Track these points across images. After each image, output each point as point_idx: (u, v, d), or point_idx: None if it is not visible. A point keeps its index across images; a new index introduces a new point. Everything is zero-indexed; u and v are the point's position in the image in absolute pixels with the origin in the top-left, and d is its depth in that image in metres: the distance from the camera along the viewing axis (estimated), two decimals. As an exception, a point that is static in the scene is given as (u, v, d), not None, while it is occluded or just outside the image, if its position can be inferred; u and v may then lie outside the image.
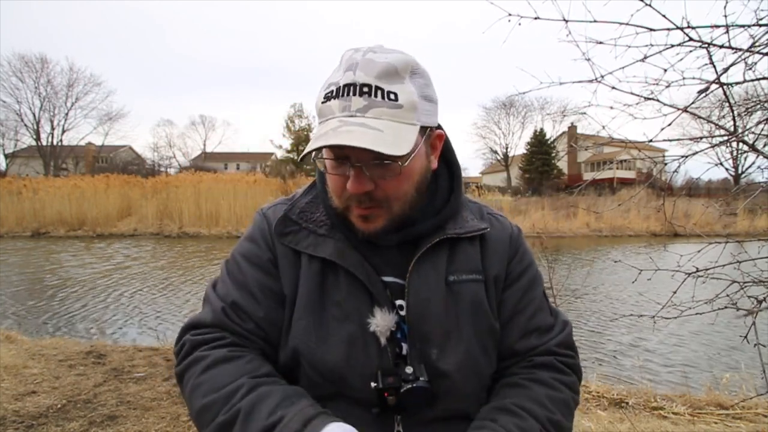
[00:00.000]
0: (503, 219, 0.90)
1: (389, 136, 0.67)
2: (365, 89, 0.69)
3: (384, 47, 0.74)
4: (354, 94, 0.69)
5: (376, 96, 0.69)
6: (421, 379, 0.72)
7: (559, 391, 0.78)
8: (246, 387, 0.69)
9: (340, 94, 0.70)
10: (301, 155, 0.71)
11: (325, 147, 0.69)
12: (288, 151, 34.71)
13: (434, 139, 0.80)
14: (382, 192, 0.72)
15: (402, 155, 0.68)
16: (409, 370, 0.72)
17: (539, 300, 0.85)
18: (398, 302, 0.78)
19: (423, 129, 0.74)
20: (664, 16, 1.66)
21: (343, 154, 0.71)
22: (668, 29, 1.68)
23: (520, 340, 0.82)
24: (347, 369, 0.75)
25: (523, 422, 0.71)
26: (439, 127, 0.80)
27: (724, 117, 2.20)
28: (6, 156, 38.47)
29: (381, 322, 0.75)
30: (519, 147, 44.06)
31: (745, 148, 1.86)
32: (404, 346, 0.77)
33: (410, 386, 0.71)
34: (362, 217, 0.74)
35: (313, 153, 0.70)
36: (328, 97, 0.71)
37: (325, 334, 0.76)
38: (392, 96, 0.69)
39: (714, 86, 1.73)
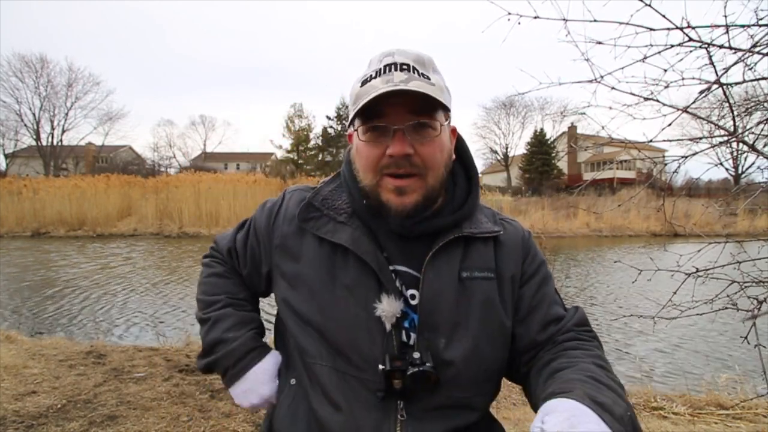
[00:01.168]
0: (515, 223, 0.96)
1: (434, 94, 0.75)
2: (404, 66, 0.77)
3: (405, 47, 0.82)
4: (395, 70, 0.77)
5: (413, 73, 0.77)
6: (427, 364, 0.74)
7: (590, 350, 0.81)
8: (221, 302, 0.94)
9: (381, 72, 0.77)
10: (351, 116, 0.81)
11: (386, 106, 0.76)
12: (288, 151, 34.71)
13: (451, 131, 0.87)
14: (419, 158, 0.78)
15: (447, 110, 0.80)
16: (416, 355, 0.74)
17: (552, 294, 0.90)
18: (409, 292, 0.82)
19: (448, 113, 0.83)
20: (663, 16, 1.66)
21: (382, 123, 0.77)
22: (668, 29, 1.68)
23: (541, 331, 0.85)
24: (351, 349, 0.79)
25: (579, 369, 0.74)
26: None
27: (723, 117, 2.20)
28: (6, 156, 38.51)
29: (387, 307, 0.78)
30: (519, 147, 44.17)
31: (745, 148, 1.86)
32: (412, 336, 0.80)
33: (416, 370, 0.72)
34: (398, 189, 0.78)
35: (356, 123, 0.80)
36: (365, 81, 0.78)
37: (331, 316, 0.80)
38: (426, 77, 0.78)
39: (714, 86, 1.73)
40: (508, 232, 0.90)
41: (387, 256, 0.82)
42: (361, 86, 0.78)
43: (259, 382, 0.87)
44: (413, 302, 0.81)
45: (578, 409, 0.60)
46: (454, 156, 0.88)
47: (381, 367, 0.74)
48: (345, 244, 0.81)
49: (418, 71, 0.77)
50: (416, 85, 0.75)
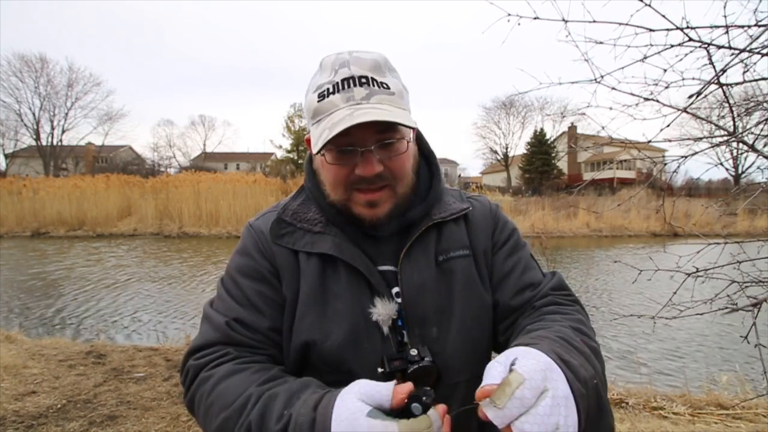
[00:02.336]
0: (482, 198, 0.96)
1: (398, 115, 0.73)
2: (363, 80, 0.75)
3: (359, 49, 0.80)
4: (355, 85, 0.74)
5: (373, 86, 0.75)
6: (426, 359, 0.73)
7: (569, 313, 0.79)
8: (254, 396, 0.67)
9: (339, 88, 0.75)
10: (320, 143, 0.72)
11: (351, 127, 0.70)
12: (288, 151, 34.73)
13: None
14: (389, 171, 0.77)
15: (414, 128, 0.78)
16: (413, 352, 0.74)
17: (526, 260, 0.89)
18: (394, 290, 0.81)
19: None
20: (663, 16, 1.66)
21: (348, 143, 0.74)
22: (668, 30, 1.69)
23: (515, 296, 0.84)
24: (354, 360, 0.77)
25: (553, 330, 0.71)
26: None
27: (723, 117, 2.20)
28: (6, 156, 38.49)
29: (382, 311, 0.78)
30: (519, 147, 44.19)
31: (745, 148, 1.86)
32: (405, 333, 0.79)
33: (416, 366, 0.72)
34: (369, 203, 0.78)
35: (320, 148, 0.72)
36: (323, 95, 0.76)
37: (330, 328, 0.78)
38: (385, 85, 0.76)
39: (713, 87, 1.73)
40: (476, 208, 0.91)
41: (369, 256, 0.82)
42: (319, 100, 0.76)
43: (349, 421, 0.56)
44: (398, 300, 0.80)
45: (552, 365, 0.57)
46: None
47: (380, 370, 0.72)
48: (330, 252, 0.79)
49: (377, 81, 0.75)
50: (377, 99, 0.74)
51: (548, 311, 0.80)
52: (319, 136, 0.73)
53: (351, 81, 0.74)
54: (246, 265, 0.83)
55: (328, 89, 0.75)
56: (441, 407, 0.58)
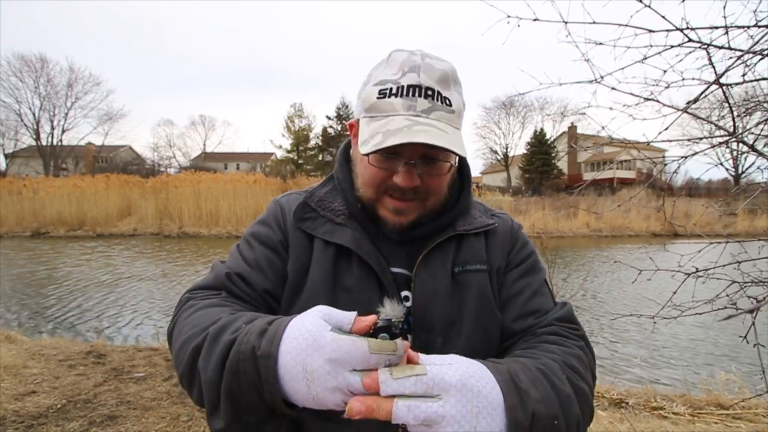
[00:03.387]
0: (505, 216, 0.95)
1: (453, 138, 0.72)
2: (429, 92, 0.74)
3: (431, 53, 0.79)
4: (420, 96, 0.73)
5: (437, 100, 0.74)
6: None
7: (568, 347, 0.75)
8: (223, 318, 0.65)
9: (403, 93, 0.74)
10: (367, 150, 0.72)
11: (409, 144, 0.69)
12: (288, 151, 34.75)
13: None
14: (425, 187, 0.77)
15: (463, 156, 0.76)
16: None
17: (538, 285, 0.86)
18: (404, 293, 0.81)
19: None
20: (663, 17, 1.66)
21: (395, 150, 0.73)
22: (667, 30, 1.69)
23: (518, 320, 0.82)
24: None
25: (537, 360, 0.68)
26: None
27: (723, 117, 2.20)
28: (6, 156, 38.49)
29: (390, 312, 0.76)
30: (519, 147, 44.21)
31: (745, 148, 1.86)
32: (410, 338, 0.78)
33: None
34: (396, 210, 0.78)
35: (370, 152, 0.71)
36: (385, 94, 0.75)
37: None
38: (448, 102, 0.76)
39: (714, 87, 1.73)
40: (497, 225, 0.90)
41: (384, 256, 0.82)
42: (379, 97, 0.75)
43: (311, 333, 0.53)
44: (407, 304, 0.80)
45: (484, 371, 0.55)
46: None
47: (394, 321, 0.72)
48: (347, 245, 0.80)
49: (441, 96, 0.74)
50: (437, 116, 0.73)
51: (547, 341, 0.76)
52: (371, 137, 0.72)
53: (417, 90, 0.73)
54: (262, 233, 0.86)
55: (391, 89, 0.74)
56: (406, 342, 0.56)
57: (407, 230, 0.81)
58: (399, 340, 0.53)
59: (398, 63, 0.76)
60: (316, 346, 0.51)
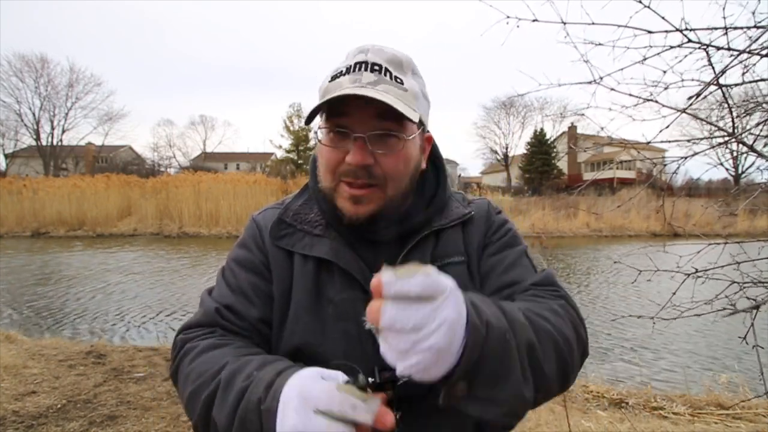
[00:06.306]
0: (481, 201, 0.93)
1: (400, 104, 0.70)
2: (375, 67, 0.73)
3: (388, 45, 0.78)
4: (365, 70, 0.72)
5: (385, 75, 0.73)
6: None
7: (539, 302, 0.72)
8: (231, 362, 0.67)
9: (351, 70, 0.73)
10: (309, 112, 0.73)
11: (350, 108, 0.69)
12: (288, 151, 34.73)
13: (426, 139, 0.84)
14: (380, 168, 0.74)
15: (413, 121, 0.72)
16: None
17: (515, 257, 0.84)
18: None
19: (420, 122, 0.77)
20: (662, 17, 1.67)
21: (344, 124, 0.72)
22: (666, 31, 1.69)
23: (493, 294, 0.79)
24: (345, 368, 0.75)
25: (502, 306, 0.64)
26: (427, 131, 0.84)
27: (723, 118, 2.20)
28: (6, 156, 38.48)
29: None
30: (519, 147, 44.14)
31: (744, 148, 1.86)
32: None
33: (407, 378, 0.71)
34: (354, 198, 0.75)
35: (318, 120, 0.71)
36: (335, 78, 0.74)
37: (323, 333, 0.77)
38: (399, 80, 0.73)
39: (713, 88, 1.73)
40: (473, 212, 0.88)
41: (366, 262, 0.80)
42: (330, 81, 0.74)
43: (305, 388, 0.56)
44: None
45: (455, 291, 0.53)
46: (424, 165, 0.84)
47: (370, 380, 0.69)
48: (326, 257, 0.78)
49: (390, 73, 0.73)
50: (384, 88, 0.71)
51: (521, 298, 0.74)
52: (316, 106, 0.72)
53: (363, 65, 0.72)
54: (243, 257, 0.84)
55: (341, 71, 0.74)
56: (382, 396, 0.57)
57: (366, 223, 0.77)
58: (371, 393, 0.56)
59: (351, 53, 0.77)
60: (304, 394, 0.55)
